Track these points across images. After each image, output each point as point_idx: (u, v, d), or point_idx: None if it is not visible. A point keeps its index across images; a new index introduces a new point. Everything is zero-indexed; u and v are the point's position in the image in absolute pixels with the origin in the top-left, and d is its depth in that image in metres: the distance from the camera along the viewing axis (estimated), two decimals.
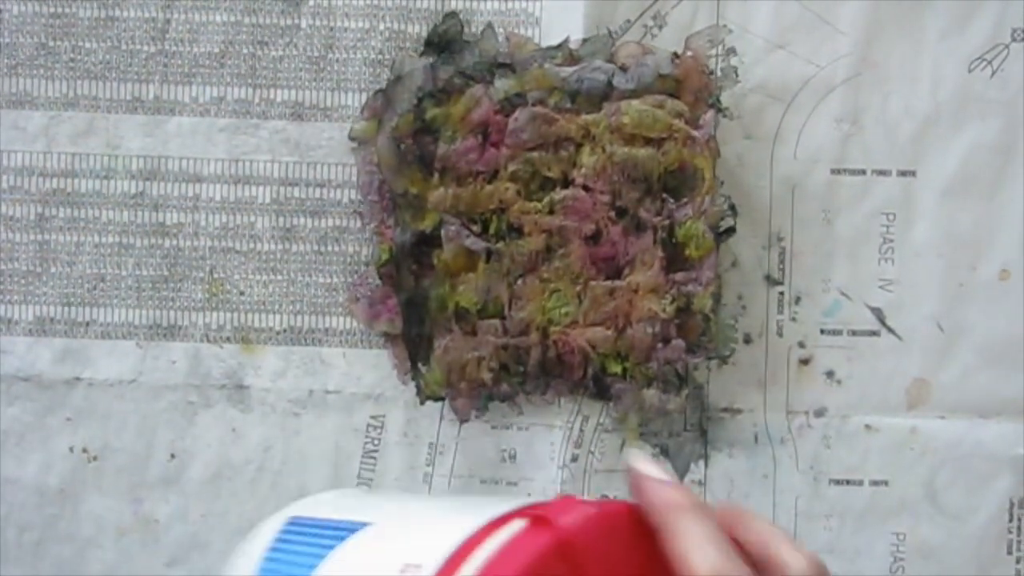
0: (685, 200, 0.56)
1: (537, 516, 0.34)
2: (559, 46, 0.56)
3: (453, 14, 0.57)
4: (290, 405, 0.58)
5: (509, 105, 0.56)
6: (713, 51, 0.57)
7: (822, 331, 0.59)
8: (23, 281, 0.58)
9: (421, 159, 0.56)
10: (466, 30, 0.57)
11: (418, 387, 0.57)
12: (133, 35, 0.58)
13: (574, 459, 0.58)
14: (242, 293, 0.58)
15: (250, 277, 0.58)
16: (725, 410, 0.59)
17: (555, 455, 0.58)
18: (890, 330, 0.59)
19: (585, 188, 0.56)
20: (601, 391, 0.57)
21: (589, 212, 0.56)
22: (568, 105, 0.56)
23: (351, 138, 0.57)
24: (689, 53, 0.56)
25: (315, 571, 0.36)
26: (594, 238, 0.56)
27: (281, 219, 0.58)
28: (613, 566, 0.34)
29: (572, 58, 0.56)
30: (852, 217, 0.59)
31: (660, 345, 0.56)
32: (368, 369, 0.58)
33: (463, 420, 0.58)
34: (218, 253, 0.58)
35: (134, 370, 0.58)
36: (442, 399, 0.57)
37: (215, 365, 0.58)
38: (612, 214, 0.56)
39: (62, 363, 0.58)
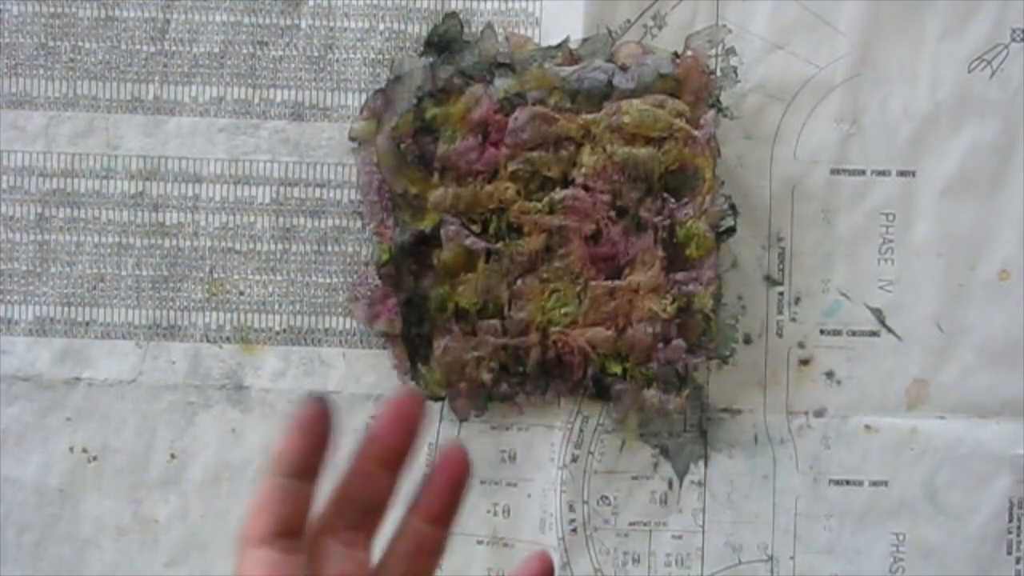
0: (685, 200, 0.56)
1: None
2: (559, 46, 0.56)
3: (453, 14, 0.57)
4: (290, 405, 0.58)
5: (509, 105, 0.56)
6: (713, 51, 0.57)
7: (822, 331, 0.59)
8: (23, 281, 0.58)
9: (421, 159, 0.56)
10: (466, 30, 0.57)
11: (418, 387, 0.57)
12: (133, 35, 0.58)
13: (574, 459, 0.58)
14: (242, 293, 0.58)
15: (250, 277, 0.58)
16: (725, 410, 0.59)
17: (555, 455, 0.58)
18: (890, 330, 0.59)
19: (585, 188, 0.56)
20: (601, 391, 0.57)
21: (589, 212, 0.56)
22: (568, 105, 0.56)
23: (351, 138, 0.57)
24: (689, 53, 0.56)
25: None
26: (594, 238, 0.56)
27: (281, 219, 0.58)
28: None
29: (572, 58, 0.56)
30: (852, 217, 0.59)
31: (660, 345, 0.56)
32: (368, 369, 0.58)
33: (463, 420, 0.58)
34: (218, 253, 0.58)
35: (134, 370, 0.58)
36: (442, 399, 0.57)
37: (215, 365, 0.58)
38: (612, 214, 0.56)
39: (62, 363, 0.58)
